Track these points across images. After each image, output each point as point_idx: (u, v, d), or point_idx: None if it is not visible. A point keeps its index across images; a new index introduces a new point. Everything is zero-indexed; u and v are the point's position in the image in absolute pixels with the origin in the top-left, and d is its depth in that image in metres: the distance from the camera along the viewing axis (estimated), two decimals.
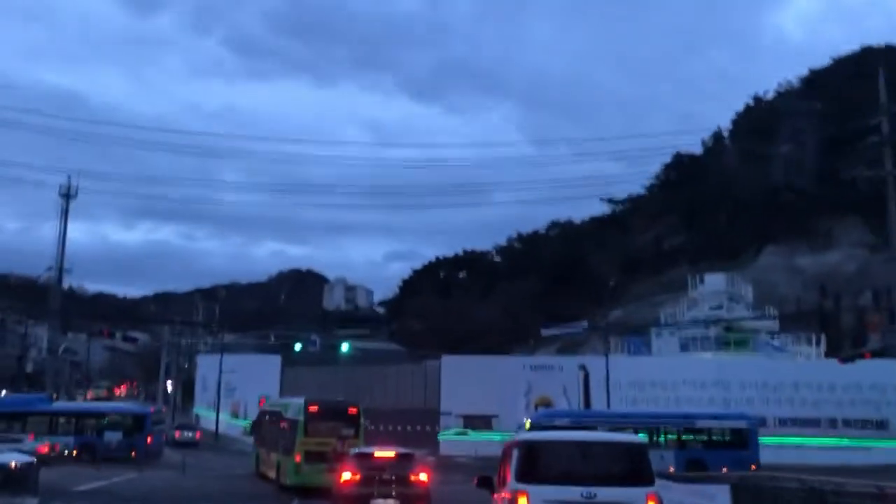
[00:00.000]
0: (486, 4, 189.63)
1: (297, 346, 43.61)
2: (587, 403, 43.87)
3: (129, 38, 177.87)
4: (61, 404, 36.65)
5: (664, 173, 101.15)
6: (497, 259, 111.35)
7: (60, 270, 58.78)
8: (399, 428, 45.67)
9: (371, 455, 17.44)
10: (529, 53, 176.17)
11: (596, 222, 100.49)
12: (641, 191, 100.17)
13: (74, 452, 34.12)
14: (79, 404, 39.15)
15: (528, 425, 33.91)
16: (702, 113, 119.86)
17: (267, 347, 52.33)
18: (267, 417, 30.57)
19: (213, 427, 51.49)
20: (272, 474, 27.02)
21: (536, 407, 44.42)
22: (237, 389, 53.00)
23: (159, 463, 35.68)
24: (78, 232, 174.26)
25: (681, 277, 69.09)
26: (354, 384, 47.87)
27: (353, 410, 26.36)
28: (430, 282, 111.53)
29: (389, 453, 17.89)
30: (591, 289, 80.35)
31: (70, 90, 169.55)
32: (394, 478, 16.50)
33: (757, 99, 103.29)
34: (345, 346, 44.53)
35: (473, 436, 43.96)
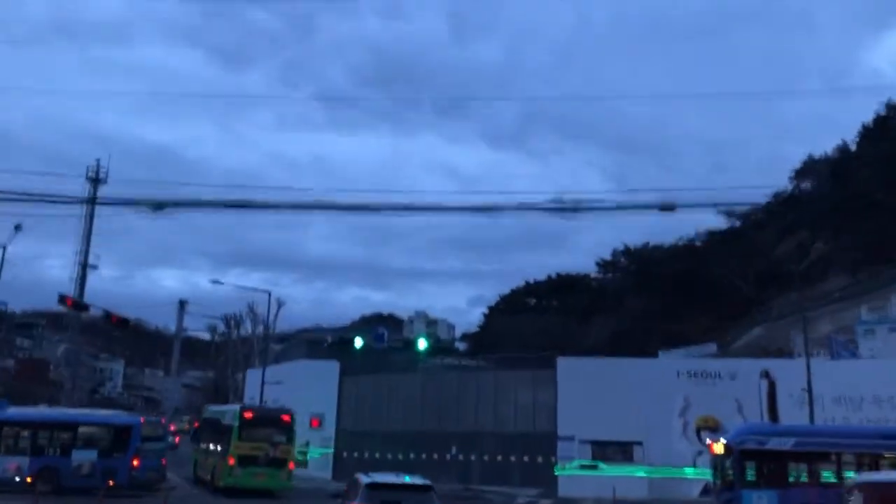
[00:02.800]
0: (566, 50, 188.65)
1: (358, 342, 30.92)
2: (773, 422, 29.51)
3: (221, 94, 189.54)
4: (15, 411, 24.96)
5: (795, 181, 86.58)
6: (599, 276, 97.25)
7: (85, 266, 48.03)
8: (499, 457, 32.17)
9: (385, 485, 14.56)
10: (612, 97, 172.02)
11: (715, 236, 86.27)
12: (761, 201, 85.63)
13: (29, 479, 23.93)
14: (39, 411, 27.06)
15: (718, 448, 20.11)
16: (790, 153, 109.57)
17: (322, 352, 39.64)
18: (207, 423, 31.84)
19: None
20: (208, 477, 28.34)
21: (699, 431, 30.22)
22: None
23: (152, 496, 23.93)
24: (172, 280, 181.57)
25: (835, 288, 55.01)
26: (438, 398, 34.71)
27: (286, 418, 28.34)
28: (521, 308, 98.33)
29: (404, 483, 15.04)
30: (715, 306, 66.17)
31: (165, 145, 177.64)
32: None
33: (890, 106, 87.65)
34: (422, 343, 31.62)
35: (607, 470, 30.03)
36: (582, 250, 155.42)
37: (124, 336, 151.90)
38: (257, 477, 26.41)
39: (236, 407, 28.28)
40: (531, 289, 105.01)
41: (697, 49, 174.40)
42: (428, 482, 15.30)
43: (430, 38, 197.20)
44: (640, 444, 30.90)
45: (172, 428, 79.97)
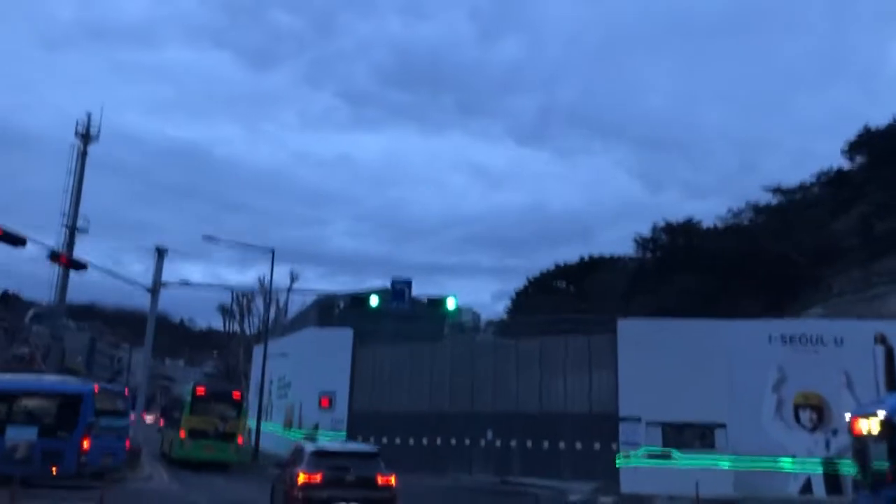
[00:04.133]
0: (593, 48, 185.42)
1: (374, 301, 25.04)
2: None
3: (247, 93, 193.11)
4: None
5: (849, 154, 79.32)
6: (638, 255, 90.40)
7: (73, 228, 42.62)
8: (545, 444, 26.16)
9: (331, 453, 14.65)
10: (639, 95, 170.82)
11: (762, 213, 79.60)
12: (810, 178, 78.59)
13: None
14: None
15: (868, 426, 13.70)
16: (817, 150, 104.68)
17: (335, 319, 33.60)
18: (172, 401, 35.67)
19: (265, 441, 33.10)
20: (167, 450, 30.09)
21: (797, 410, 24.03)
22: (291, 385, 34.44)
23: (118, 489, 18.93)
24: (198, 275, 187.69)
25: None
26: (470, 373, 28.75)
27: (236, 395, 30.28)
28: (551, 291, 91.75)
29: (350, 451, 15.34)
30: (768, 285, 59.68)
31: (193, 143, 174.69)
32: (358, 480, 13.82)
33: None
34: (452, 302, 25.66)
35: (682, 460, 23.81)
36: (609, 245, 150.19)
37: (142, 327, 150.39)
38: (206, 450, 27.68)
39: (191, 384, 30.77)
40: (562, 271, 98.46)
41: (725, 45, 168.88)
42: (374, 449, 15.49)
43: (452, 35, 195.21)
44: (722, 426, 24.69)
45: None
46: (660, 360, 25.25)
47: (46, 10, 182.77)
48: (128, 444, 21.96)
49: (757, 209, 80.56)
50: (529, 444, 27.40)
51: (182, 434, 28.12)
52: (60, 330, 45.57)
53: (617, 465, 25.25)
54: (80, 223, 43.69)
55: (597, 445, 26.10)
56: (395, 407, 30.70)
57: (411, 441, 29.74)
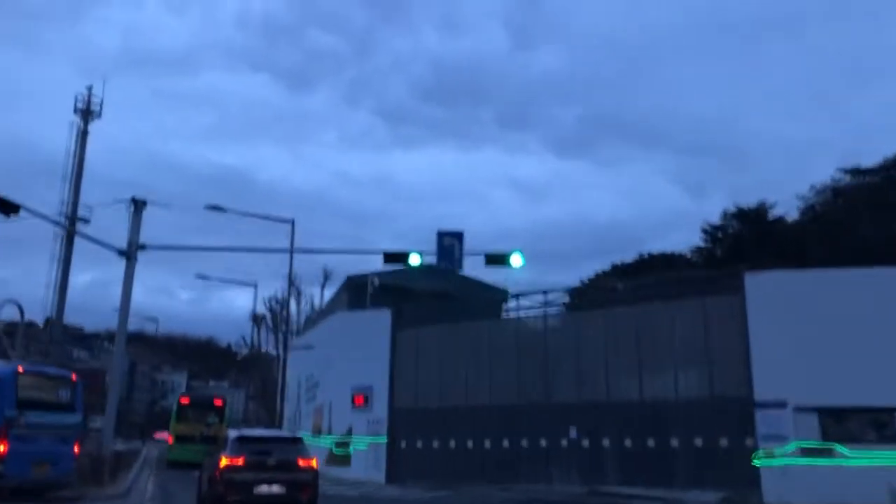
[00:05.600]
0: (630, 54, 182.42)
1: (415, 259, 18.58)
2: None
3: (287, 115, 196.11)
4: None
5: None
6: (706, 245, 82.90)
7: (75, 206, 37.16)
8: (650, 442, 19.13)
9: (253, 438, 15.02)
10: (679, 100, 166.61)
11: (841, 195, 71.71)
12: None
13: None
14: None
15: None
16: (866, 150, 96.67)
17: (371, 299, 26.92)
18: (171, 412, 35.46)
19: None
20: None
21: None
22: (320, 384, 27.94)
23: None
24: (243, 300, 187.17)
25: None
26: (544, 355, 22.04)
27: (218, 402, 32.91)
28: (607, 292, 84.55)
29: (273, 436, 16.55)
30: None
31: (235, 168, 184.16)
32: (279, 463, 14.14)
33: None
34: (517, 259, 19.07)
35: (852, 458, 16.48)
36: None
37: (191, 352, 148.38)
38: (194, 453, 26.84)
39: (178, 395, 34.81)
40: (619, 270, 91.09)
41: (766, 46, 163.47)
42: (295, 435, 17.54)
43: (488, 48, 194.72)
44: None
45: None
46: (810, 325, 18.28)
47: (92, 41, 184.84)
48: (76, 448, 15.60)
49: (836, 191, 72.16)
50: (628, 442, 20.42)
51: (170, 440, 31.11)
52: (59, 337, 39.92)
53: (756, 465, 18.18)
54: (81, 212, 38.45)
55: (724, 441, 19.03)
56: (447, 402, 24.06)
57: (469, 444, 23.02)
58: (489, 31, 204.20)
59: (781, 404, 18.20)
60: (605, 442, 20.86)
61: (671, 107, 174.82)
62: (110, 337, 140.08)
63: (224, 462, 13.61)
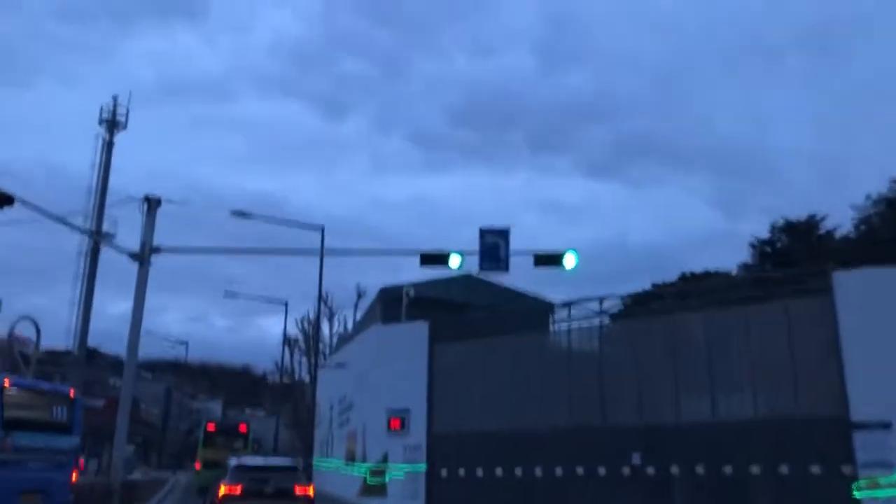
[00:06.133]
0: (660, 75, 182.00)
1: (455, 261, 16.39)
2: None
3: (319, 141, 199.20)
4: None
5: None
6: (752, 262, 79.46)
7: (100, 217, 35.71)
8: (727, 469, 16.48)
9: (252, 467, 15.86)
10: (711, 120, 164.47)
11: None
12: None
13: None
14: None
15: None
16: None
17: (403, 313, 24.79)
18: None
19: (325, 482, 24.93)
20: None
21: None
22: (353, 407, 25.87)
23: None
24: (278, 327, 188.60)
25: None
26: (601, 371, 19.70)
27: (243, 428, 35.12)
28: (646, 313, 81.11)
29: (271, 464, 17.01)
30: None
31: (269, 194, 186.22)
32: (276, 491, 14.92)
33: None
34: (570, 260, 16.90)
35: None
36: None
37: (227, 380, 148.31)
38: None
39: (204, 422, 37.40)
40: (660, 290, 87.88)
41: (795, 64, 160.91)
42: (292, 463, 17.52)
43: (518, 71, 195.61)
44: None
45: None
46: None
47: (128, 71, 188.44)
48: (74, 476, 13.65)
49: (891, 202, 68.69)
50: (700, 469, 17.90)
51: (197, 466, 32.62)
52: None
53: (857, 499, 15.55)
54: (105, 226, 37.09)
55: (815, 469, 16.44)
56: (492, 425, 21.73)
57: (518, 472, 20.63)
58: (518, 54, 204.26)
59: (885, 425, 15.62)
60: (674, 469, 18.34)
61: (703, 126, 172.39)
62: (146, 365, 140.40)
63: (223, 490, 14.23)
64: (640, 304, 24.18)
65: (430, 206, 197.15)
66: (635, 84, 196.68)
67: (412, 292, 24.77)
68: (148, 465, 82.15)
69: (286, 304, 39.08)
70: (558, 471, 20.14)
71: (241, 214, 26.66)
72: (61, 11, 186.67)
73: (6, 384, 12.54)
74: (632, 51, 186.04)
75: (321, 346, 49.98)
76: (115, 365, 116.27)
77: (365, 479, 24.09)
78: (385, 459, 23.51)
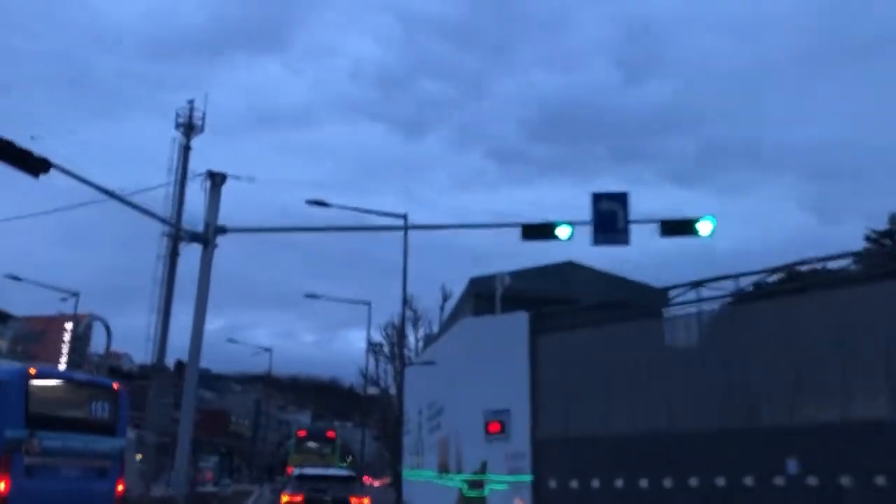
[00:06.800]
0: (744, 81, 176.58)
1: (563, 231, 13.36)
2: None
3: (401, 161, 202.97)
4: None
5: None
6: (870, 249, 73.21)
7: (177, 235, 34.39)
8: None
9: (312, 476, 17.08)
10: (798, 124, 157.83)
11: None
12: None
13: None
14: None
15: None
16: None
17: (497, 305, 21.89)
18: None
19: (417, 494, 22.40)
20: None
21: None
22: (444, 411, 23.19)
23: None
24: (362, 340, 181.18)
25: None
26: (741, 362, 16.23)
27: (331, 434, 40.51)
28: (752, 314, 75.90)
29: (330, 474, 18.28)
30: None
31: (352, 215, 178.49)
32: (334, 500, 16.24)
33: None
34: (706, 227, 13.52)
35: None
36: None
37: (315, 392, 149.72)
38: None
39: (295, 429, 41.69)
40: (766, 293, 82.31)
41: (883, 62, 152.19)
42: (351, 473, 19.24)
43: (598, 83, 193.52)
44: None
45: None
46: None
47: (218, 103, 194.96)
48: (120, 486, 11.35)
49: None
50: (881, 480, 14.32)
51: (289, 471, 32.22)
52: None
53: None
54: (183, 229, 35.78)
55: None
56: (609, 428, 18.61)
57: (643, 483, 17.42)
58: (597, 67, 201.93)
59: None
60: (844, 480, 14.82)
61: (790, 131, 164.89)
62: (237, 379, 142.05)
63: (285, 498, 15.67)
64: (793, 279, 20.46)
65: (509, 220, 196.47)
66: (717, 90, 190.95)
67: (508, 280, 21.92)
68: (231, 478, 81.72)
69: (369, 305, 36.88)
70: (693, 481, 16.82)
71: (318, 203, 24.47)
72: (153, 50, 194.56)
73: (31, 372, 10.36)
74: (712, 57, 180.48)
75: (406, 352, 47.68)
76: (206, 379, 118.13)
77: (461, 491, 21.24)
78: (483, 469, 20.60)
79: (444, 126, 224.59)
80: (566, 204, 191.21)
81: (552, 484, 19.13)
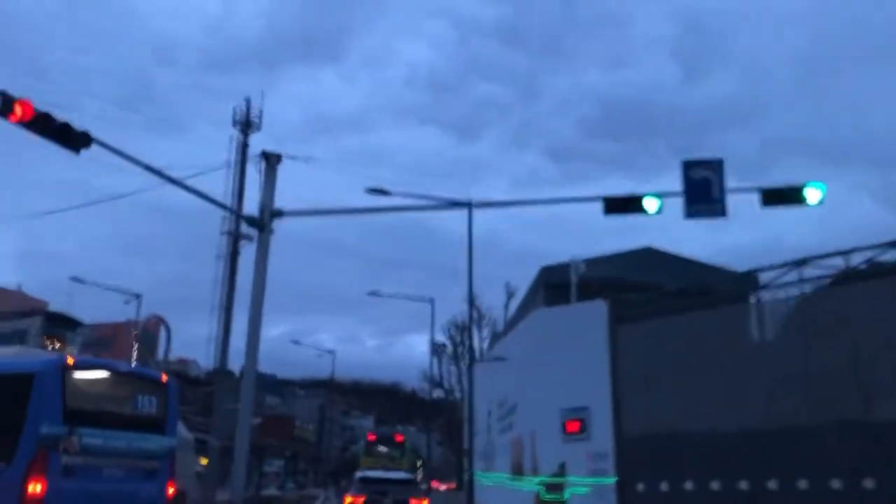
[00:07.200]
0: (806, 72, 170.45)
1: (651, 204, 11.77)
2: None
3: (456, 164, 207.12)
4: None
5: None
6: None
7: (238, 234, 33.66)
8: None
9: (374, 479, 17.77)
10: (864, 114, 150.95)
11: None
12: None
13: None
14: None
15: None
16: None
17: (572, 294, 20.31)
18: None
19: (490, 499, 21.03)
20: None
21: None
22: (517, 409, 21.78)
23: None
24: (424, 344, 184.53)
25: None
26: (857, 341, 14.24)
27: (399, 438, 40.83)
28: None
29: (391, 477, 18.99)
30: None
31: (407, 217, 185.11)
32: (395, 502, 16.88)
33: None
34: (814, 194, 11.65)
35: None
36: None
37: (378, 397, 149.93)
38: None
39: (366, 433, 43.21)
40: (878, 270, 78.36)
41: None
42: (410, 476, 20.50)
43: (656, 79, 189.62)
44: None
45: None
46: None
47: (277, 114, 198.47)
48: (171, 489, 10.27)
49: None
50: None
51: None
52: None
53: None
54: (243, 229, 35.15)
55: None
56: (701, 424, 16.87)
57: (743, 485, 15.70)
58: (656, 62, 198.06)
59: None
60: None
61: (857, 120, 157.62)
62: (300, 384, 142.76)
63: (348, 500, 16.45)
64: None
65: (568, 220, 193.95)
66: (780, 82, 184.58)
67: (583, 267, 20.36)
68: (296, 482, 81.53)
69: (432, 302, 35.52)
70: (802, 483, 14.98)
71: (378, 192, 23.35)
72: (213, 63, 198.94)
73: (69, 363, 9.34)
74: (774, 49, 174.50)
75: (473, 339, 46.22)
76: (270, 384, 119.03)
77: (538, 495, 19.76)
78: (562, 471, 19.09)
79: (499, 127, 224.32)
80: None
81: (640, 487, 17.47)
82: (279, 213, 15.21)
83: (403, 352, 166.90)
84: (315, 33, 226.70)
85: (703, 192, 13.56)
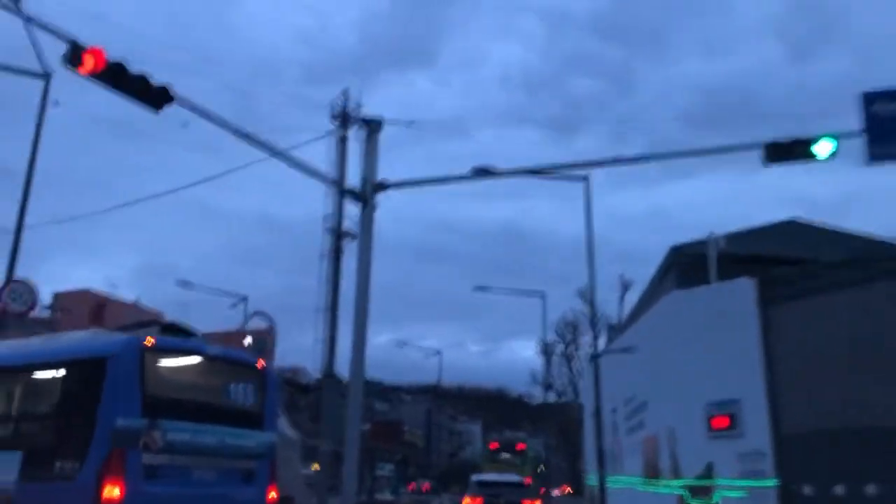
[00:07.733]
0: None
1: (824, 147, 9.40)
2: None
3: (555, 162, 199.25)
4: None
5: None
6: None
7: (339, 231, 32.79)
8: None
9: (489, 482, 19.64)
10: None
11: None
12: None
13: None
14: None
15: None
16: None
17: (709, 274, 17.93)
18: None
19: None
20: None
21: None
22: (648, 406, 19.53)
23: None
24: (531, 350, 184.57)
25: None
26: None
27: (520, 446, 41.46)
28: None
29: (504, 480, 20.75)
30: None
31: (509, 221, 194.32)
32: (508, 502, 18.69)
33: None
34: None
35: None
36: None
37: (484, 402, 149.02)
38: None
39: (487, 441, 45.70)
40: None
41: None
42: (521, 479, 21.52)
43: (761, 64, 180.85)
44: None
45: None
46: None
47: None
48: (272, 493, 8.78)
49: None
50: None
51: None
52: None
53: None
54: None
55: None
56: (880, 417, 14.19)
57: None
58: (760, 46, 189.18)
59: None
60: None
61: None
62: (409, 390, 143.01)
63: (466, 501, 18.35)
64: None
65: (670, 216, 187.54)
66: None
67: (723, 242, 17.93)
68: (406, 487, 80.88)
69: (543, 296, 33.53)
70: None
71: (483, 173, 21.69)
72: (311, 76, 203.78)
73: (149, 344, 7.99)
74: (889, 26, 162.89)
75: (587, 349, 43.75)
76: (378, 390, 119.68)
77: (681, 499, 17.46)
78: (709, 473, 16.74)
79: (596, 123, 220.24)
80: (726, 199, 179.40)
81: (806, 490, 14.94)
82: (383, 186, 13.71)
83: (508, 357, 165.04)
84: (406, 39, 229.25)
85: (889, 130, 11.09)
